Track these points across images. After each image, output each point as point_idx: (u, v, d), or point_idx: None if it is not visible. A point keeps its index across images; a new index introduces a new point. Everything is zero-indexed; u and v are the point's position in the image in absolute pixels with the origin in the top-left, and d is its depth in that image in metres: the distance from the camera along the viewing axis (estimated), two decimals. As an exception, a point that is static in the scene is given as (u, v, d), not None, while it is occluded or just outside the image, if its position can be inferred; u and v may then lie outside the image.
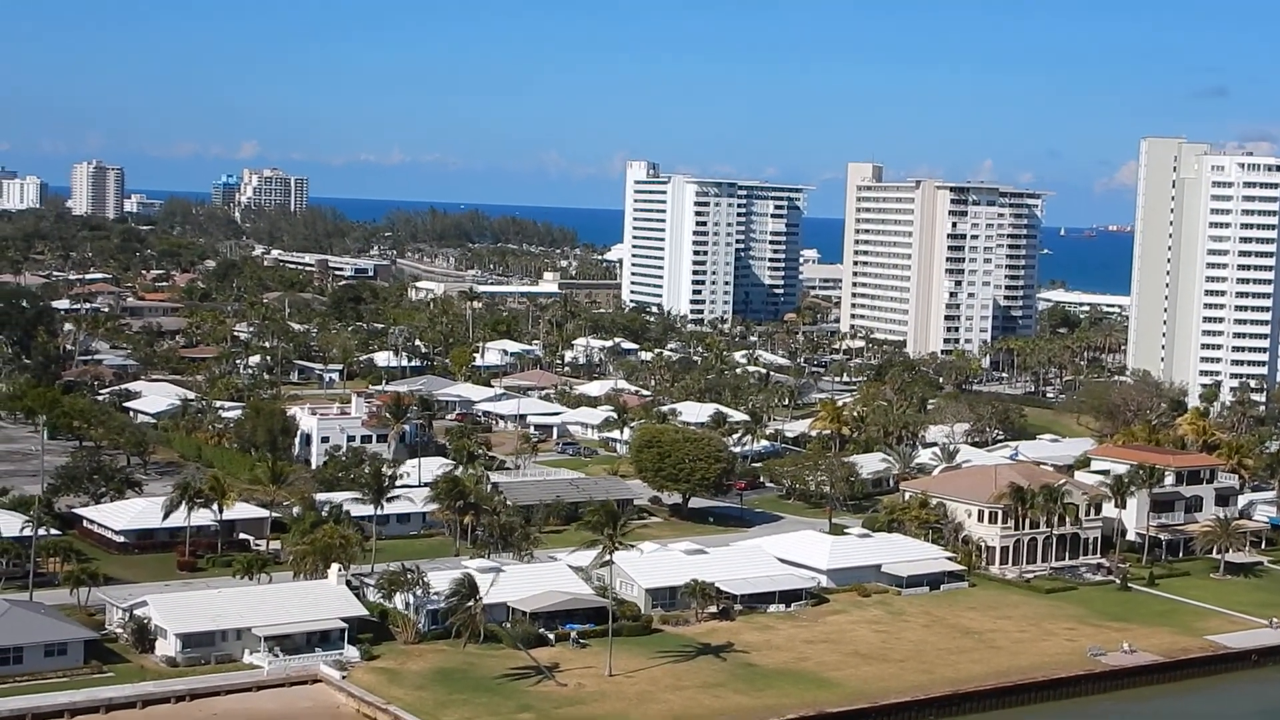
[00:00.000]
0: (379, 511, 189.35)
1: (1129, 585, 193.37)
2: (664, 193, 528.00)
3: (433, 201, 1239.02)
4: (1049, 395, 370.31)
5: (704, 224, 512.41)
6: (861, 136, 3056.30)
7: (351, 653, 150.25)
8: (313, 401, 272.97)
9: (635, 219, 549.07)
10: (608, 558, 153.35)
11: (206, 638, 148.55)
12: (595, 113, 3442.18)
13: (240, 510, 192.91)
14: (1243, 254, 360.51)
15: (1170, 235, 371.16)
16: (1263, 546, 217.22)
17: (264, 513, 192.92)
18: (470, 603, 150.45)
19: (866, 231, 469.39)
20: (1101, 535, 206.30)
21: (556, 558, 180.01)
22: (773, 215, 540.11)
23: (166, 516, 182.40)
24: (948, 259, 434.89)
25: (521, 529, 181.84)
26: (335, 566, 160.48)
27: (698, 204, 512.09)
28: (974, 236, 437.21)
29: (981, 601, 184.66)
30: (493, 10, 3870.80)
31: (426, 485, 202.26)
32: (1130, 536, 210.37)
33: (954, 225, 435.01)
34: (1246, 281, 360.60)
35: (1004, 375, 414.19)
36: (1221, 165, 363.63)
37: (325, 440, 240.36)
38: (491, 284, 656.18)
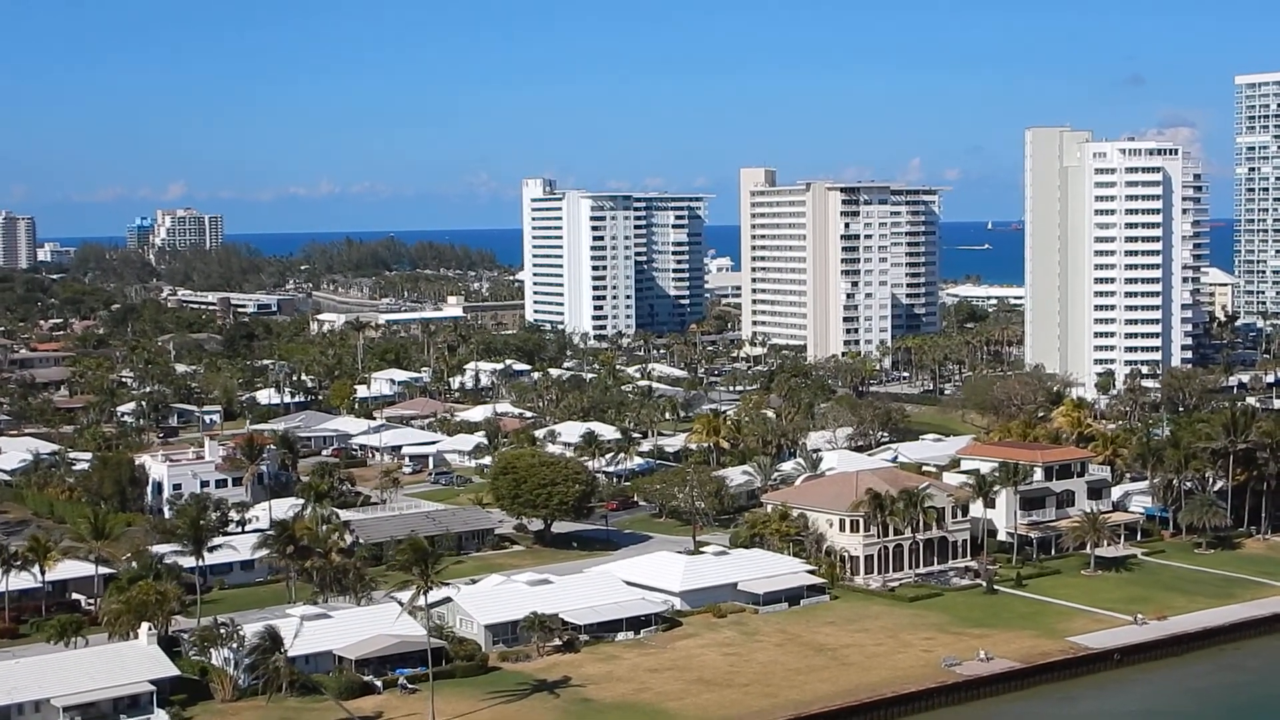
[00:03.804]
0: (208, 561, 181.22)
1: (995, 588, 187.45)
2: (560, 210, 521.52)
3: (361, 231, 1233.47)
4: (946, 392, 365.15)
5: (601, 238, 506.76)
6: (790, 141, 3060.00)
7: (161, 717, 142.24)
8: (167, 448, 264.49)
9: (534, 237, 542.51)
10: (421, 600, 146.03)
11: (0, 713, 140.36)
12: (524, 133, 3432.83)
13: (72, 569, 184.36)
14: (1129, 240, 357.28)
15: (1059, 225, 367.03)
16: (1138, 538, 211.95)
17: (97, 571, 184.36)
18: (274, 656, 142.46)
19: (762, 237, 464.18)
20: (970, 537, 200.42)
21: (399, 598, 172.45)
22: (674, 226, 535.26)
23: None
24: (843, 260, 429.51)
25: (355, 571, 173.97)
26: (145, 625, 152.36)
27: (594, 219, 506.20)
28: (868, 236, 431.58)
29: (841, 615, 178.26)
30: (419, 40, 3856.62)
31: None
32: (1001, 536, 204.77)
33: (846, 226, 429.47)
34: (1135, 267, 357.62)
35: (905, 375, 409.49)
36: (1103, 152, 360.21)
37: (177, 488, 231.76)
38: (404, 311, 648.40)
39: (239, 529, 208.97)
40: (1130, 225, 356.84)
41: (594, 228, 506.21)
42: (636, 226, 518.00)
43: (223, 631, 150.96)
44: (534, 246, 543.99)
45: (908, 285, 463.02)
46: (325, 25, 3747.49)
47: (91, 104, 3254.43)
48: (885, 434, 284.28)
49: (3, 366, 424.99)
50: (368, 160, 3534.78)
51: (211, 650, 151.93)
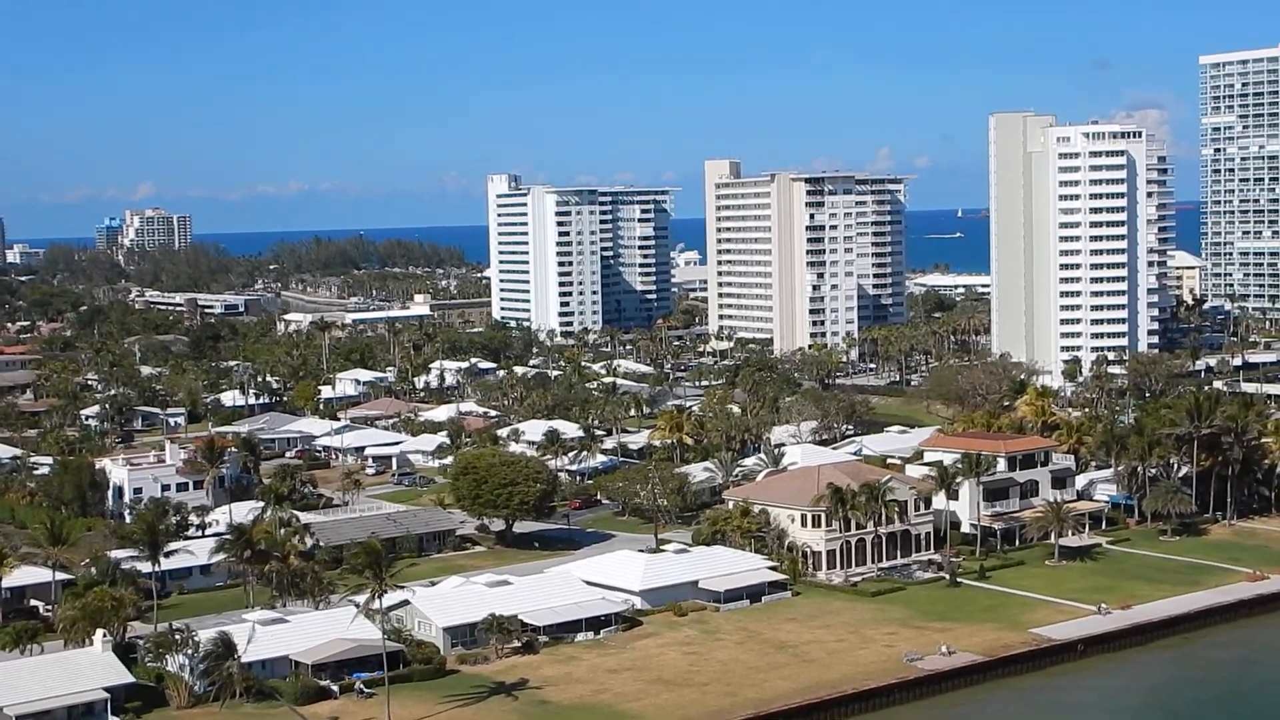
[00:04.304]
0: (167, 566, 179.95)
1: (958, 580, 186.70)
2: (525, 205, 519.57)
3: (331, 230, 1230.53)
4: (913, 383, 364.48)
5: (566, 234, 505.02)
6: (758, 134, 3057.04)
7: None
8: (129, 451, 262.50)
9: (500, 233, 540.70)
10: (376, 604, 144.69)
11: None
12: (492, 130, 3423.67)
13: (30, 575, 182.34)
14: (1094, 224, 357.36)
15: (1023, 212, 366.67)
16: (1103, 527, 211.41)
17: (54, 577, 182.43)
18: (227, 662, 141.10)
19: (727, 229, 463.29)
20: (934, 529, 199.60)
21: (356, 601, 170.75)
22: (640, 220, 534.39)
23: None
24: (808, 251, 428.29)
25: (313, 574, 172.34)
26: (100, 632, 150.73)
27: (559, 213, 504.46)
28: (833, 227, 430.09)
29: (803, 611, 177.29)
30: (386, 41, 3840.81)
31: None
32: (965, 528, 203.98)
33: (811, 217, 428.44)
34: (1100, 252, 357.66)
35: (872, 366, 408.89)
36: (1067, 136, 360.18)
37: (138, 492, 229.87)
38: (372, 310, 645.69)
39: (199, 533, 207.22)
40: (1095, 209, 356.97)
41: (559, 223, 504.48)
42: (602, 221, 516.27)
43: (177, 638, 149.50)
44: (500, 243, 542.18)
45: (874, 275, 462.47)
46: (299, 25, 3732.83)
47: (60, 104, 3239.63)
48: (850, 427, 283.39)
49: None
50: (336, 159, 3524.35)
51: (167, 656, 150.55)
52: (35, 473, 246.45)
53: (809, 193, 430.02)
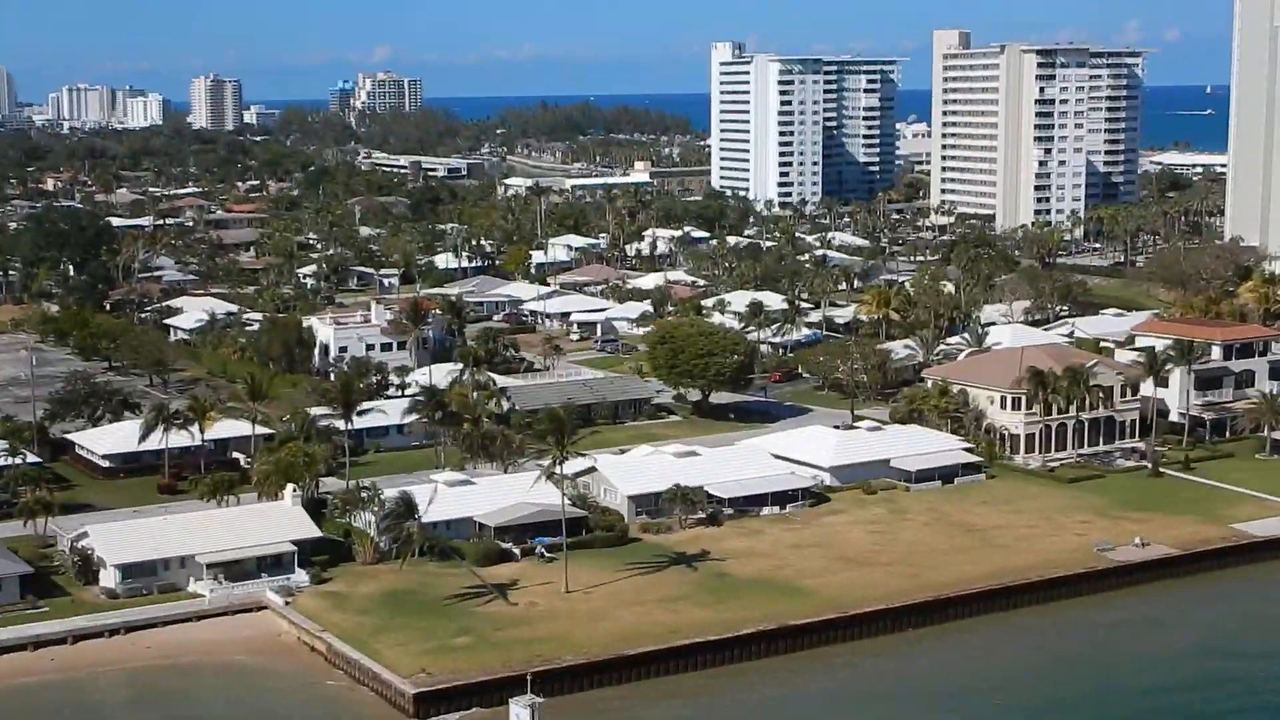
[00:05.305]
0: (364, 424, 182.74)
1: (1161, 470, 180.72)
2: (748, 74, 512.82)
3: (559, 95, 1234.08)
4: (1136, 265, 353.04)
5: (789, 103, 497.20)
6: (999, 5, 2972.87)
7: (301, 577, 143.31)
8: (335, 311, 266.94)
9: (722, 102, 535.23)
10: (557, 470, 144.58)
11: (148, 567, 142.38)
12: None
13: (233, 428, 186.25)
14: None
15: (1266, 90, 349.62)
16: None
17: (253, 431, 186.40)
18: (408, 521, 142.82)
19: (954, 102, 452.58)
20: (1140, 417, 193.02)
21: (545, 466, 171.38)
22: (865, 90, 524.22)
23: (143, 439, 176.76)
24: (1036, 125, 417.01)
25: (503, 437, 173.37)
26: (290, 487, 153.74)
27: (782, 83, 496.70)
28: (1063, 101, 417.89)
29: (996, 495, 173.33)
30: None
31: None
32: (1173, 417, 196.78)
33: (1041, 90, 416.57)
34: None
35: (1097, 246, 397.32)
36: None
37: (343, 350, 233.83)
38: (594, 176, 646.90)
39: (399, 393, 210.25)
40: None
41: (781, 92, 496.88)
42: (826, 91, 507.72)
43: (364, 495, 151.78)
44: (721, 112, 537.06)
45: (1105, 152, 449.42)
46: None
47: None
48: (1065, 308, 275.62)
49: (198, 226, 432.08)
50: (568, 22, 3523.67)
51: (354, 513, 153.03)
52: (247, 329, 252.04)
53: (1040, 65, 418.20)
